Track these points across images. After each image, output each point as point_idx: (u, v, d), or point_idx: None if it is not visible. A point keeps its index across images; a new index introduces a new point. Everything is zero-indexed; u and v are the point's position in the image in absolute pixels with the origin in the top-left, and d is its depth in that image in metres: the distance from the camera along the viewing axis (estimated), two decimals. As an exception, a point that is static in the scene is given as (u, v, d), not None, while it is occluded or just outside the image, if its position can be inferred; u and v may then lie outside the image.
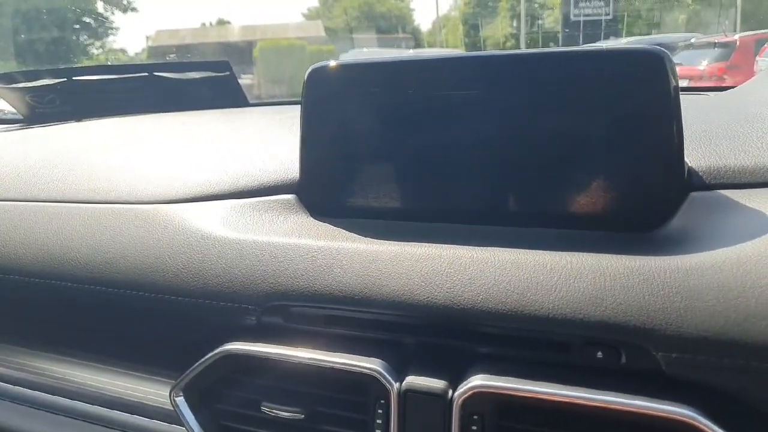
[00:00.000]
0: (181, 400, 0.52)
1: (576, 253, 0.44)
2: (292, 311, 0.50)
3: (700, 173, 0.49)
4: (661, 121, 0.46)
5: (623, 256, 0.43)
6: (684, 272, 0.40)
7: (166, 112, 0.99)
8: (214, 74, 1.07)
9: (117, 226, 0.59)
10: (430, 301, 0.45)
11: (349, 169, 0.55)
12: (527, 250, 0.45)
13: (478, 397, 0.42)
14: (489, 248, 0.46)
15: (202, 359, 0.51)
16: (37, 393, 0.64)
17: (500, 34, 32.61)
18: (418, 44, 34.19)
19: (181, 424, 0.52)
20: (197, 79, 1.05)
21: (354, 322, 0.48)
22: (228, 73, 1.08)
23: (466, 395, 0.42)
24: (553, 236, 0.48)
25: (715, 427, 0.36)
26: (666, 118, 0.46)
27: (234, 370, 0.51)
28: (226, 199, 0.60)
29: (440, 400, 0.43)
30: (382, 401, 0.45)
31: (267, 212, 0.58)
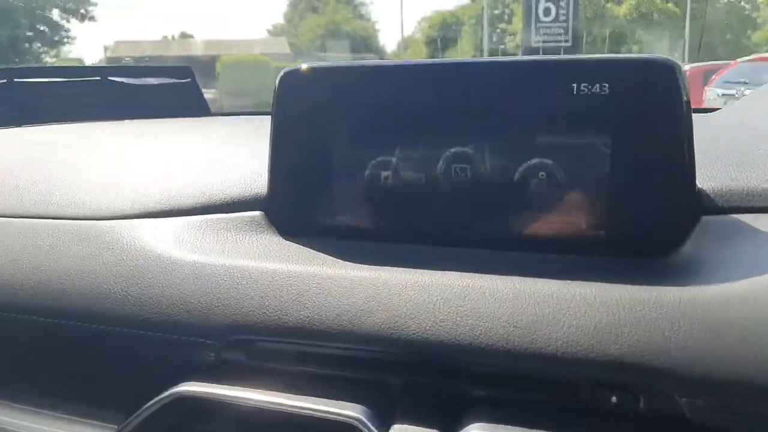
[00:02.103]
0: None
1: (584, 282, 0.39)
2: (258, 347, 0.43)
3: (711, 196, 0.45)
4: (673, 138, 0.42)
5: (637, 285, 0.38)
6: (707, 304, 0.35)
7: (120, 119, 0.91)
8: (174, 81, 1.00)
9: (51, 244, 0.51)
10: (419, 335, 0.39)
11: (322, 184, 0.50)
12: (529, 279, 0.40)
13: None
14: (486, 276, 0.41)
15: (150, 402, 0.44)
16: None
17: (463, 57, 33.38)
18: (382, 64, 34.58)
19: None
20: (156, 86, 0.98)
21: (330, 360, 0.42)
22: (189, 80, 1.01)
23: None
24: (555, 263, 0.43)
25: None
26: (678, 135, 0.42)
27: (188, 415, 0.44)
28: (183, 215, 0.53)
29: None
30: None
31: (229, 231, 0.51)
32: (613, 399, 0.36)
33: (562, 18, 18.40)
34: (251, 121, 0.83)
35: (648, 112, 0.42)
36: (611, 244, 0.43)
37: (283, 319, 0.42)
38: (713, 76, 7.55)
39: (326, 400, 0.40)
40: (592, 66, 0.43)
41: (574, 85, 0.44)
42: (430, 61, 0.49)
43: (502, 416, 0.37)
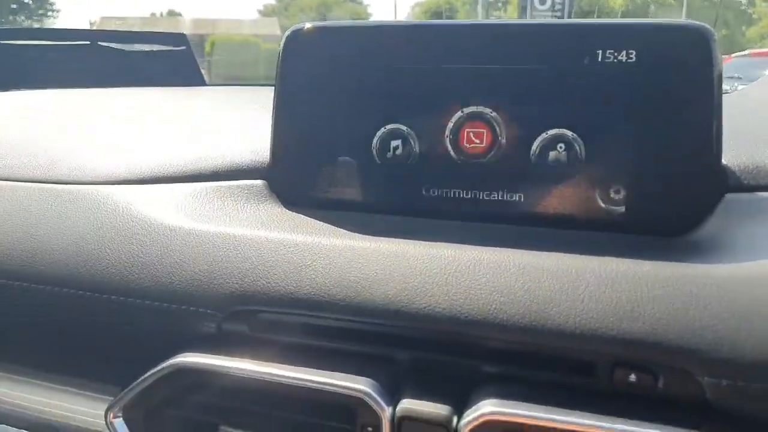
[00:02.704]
0: (119, 421, 0.43)
1: (605, 258, 0.37)
2: (261, 318, 0.41)
3: (735, 172, 0.43)
4: (703, 112, 0.40)
5: (659, 262, 0.36)
6: (733, 283, 0.33)
7: (110, 86, 0.87)
8: (168, 48, 0.96)
9: (44, 209, 0.49)
10: (430, 308, 0.37)
11: (327, 152, 0.47)
12: (546, 253, 0.38)
13: (488, 427, 0.35)
14: (500, 249, 0.39)
15: (148, 373, 0.41)
16: None
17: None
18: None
19: None
20: (149, 53, 0.94)
21: (336, 333, 0.40)
22: (184, 47, 0.97)
23: (474, 424, 0.35)
24: (573, 238, 0.41)
25: None
26: (708, 109, 0.40)
27: (187, 386, 0.42)
28: (183, 182, 0.50)
29: (441, 429, 0.36)
30: (370, 429, 0.37)
31: (231, 199, 0.48)
32: (632, 378, 0.35)
33: (558, 7, 18.33)
34: (249, 92, 0.80)
35: (678, 83, 0.40)
36: (633, 221, 0.41)
37: (288, 290, 0.40)
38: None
39: (332, 373, 0.38)
40: (620, 31, 0.41)
41: (600, 51, 0.41)
42: (444, 21, 0.46)
43: (515, 394, 0.35)
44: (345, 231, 0.43)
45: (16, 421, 0.51)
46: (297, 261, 0.40)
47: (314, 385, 0.38)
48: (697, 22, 0.40)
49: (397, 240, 0.41)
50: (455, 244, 0.39)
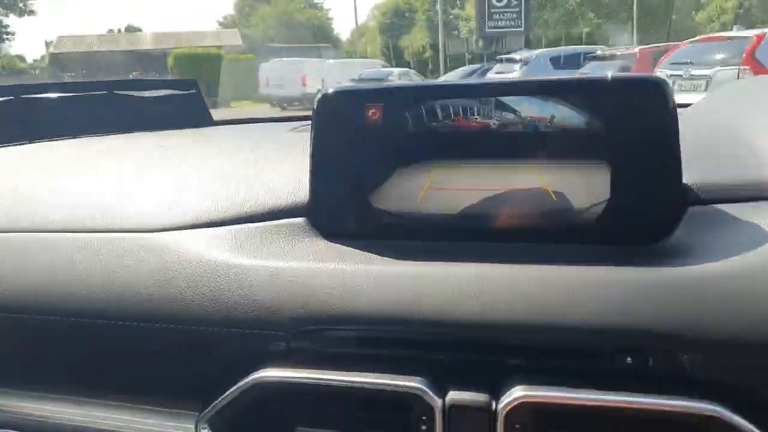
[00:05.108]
0: (208, 430, 0.51)
1: (597, 267, 0.46)
2: (324, 335, 0.49)
3: (695, 189, 0.53)
4: (663, 142, 0.50)
5: (640, 267, 0.46)
6: (700, 281, 0.44)
7: (127, 132, 0.94)
8: (179, 92, 1.03)
9: (124, 256, 0.56)
10: (465, 317, 0.46)
11: (360, 190, 0.56)
12: (554, 266, 0.48)
13: (521, 408, 0.43)
14: (515, 265, 0.49)
15: (232, 388, 0.49)
16: None
17: (418, 44, 33.41)
18: (337, 54, 34.29)
19: None
20: (161, 98, 1.01)
21: (387, 342, 0.48)
22: (194, 91, 1.05)
23: (510, 406, 0.44)
24: (564, 251, 0.51)
25: (740, 419, 0.40)
26: (666, 139, 0.50)
27: (265, 398, 0.50)
28: (231, 224, 0.59)
29: (484, 413, 0.44)
30: (424, 418, 0.45)
31: (279, 236, 0.57)
32: (628, 360, 0.44)
33: (515, 3, 18.63)
34: (260, 129, 0.87)
35: (642, 119, 0.50)
36: (611, 233, 0.51)
37: (345, 309, 0.48)
38: (662, 58, 7.83)
39: (389, 375, 0.47)
40: (595, 84, 0.51)
41: (580, 98, 0.51)
42: (452, 82, 0.56)
43: (538, 380, 0.45)
44: (386, 258, 0.52)
45: None
46: (348, 285, 0.49)
47: (376, 386, 0.47)
48: (656, 77, 0.50)
49: (431, 263, 0.50)
50: (479, 263, 0.49)
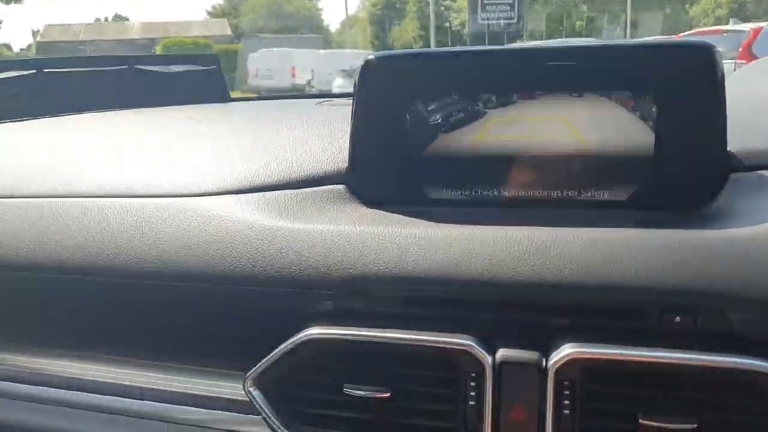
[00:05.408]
0: (256, 388, 0.51)
1: (644, 230, 0.47)
2: (372, 294, 0.50)
3: (737, 156, 0.53)
4: (709, 107, 0.50)
5: (688, 231, 0.46)
6: (746, 242, 0.45)
7: (149, 106, 0.95)
8: (200, 68, 1.03)
9: (172, 220, 0.57)
10: (515, 278, 0.46)
11: (400, 158, 0.57)
12: (602, 229, 0.47)
13: (571, 365, 0.44)
14: (562, 228, 0.48)
15: (281, 347, 0.50)
16: (95, 396, 0.60)
17: (409, 36, 33.26)
18: (327, 44, 34.07)
19: (257, 413, 0.51)
20: (181, 73, 1.01)
21: (436, 303, 0.49)
22: (215, 67, 1.05)
23: (560, 363, 0.44)
24: (615, 216, 0.50)
25: None
26: (713, 105, 0.49)
27: (313, 355, 0.50)
28: (273, 190, 0.60)
29: (534, 370, 0.45)
30: (474, 374, 0.46)
31: (321, 201, 0.58)
32: (677, 320, 0.45)
33: (509, -8, 18.54)
34: (284, 106, 0.88)
35: (690, 85, 0.51)
36: (655, 199, 0.52)
37: (393, 270, 0.49)
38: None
39: (439, 333, 0.47)
40: (646, 49, 0.52)
41: (628, 64, 0.52)
42: (498, 48, 0.56)
43: (587, 339, 0.46)
44: (431, 222, 0.53)
45: (164, 398, 0.59)
46: (399, 246, 0.50)
47: (425, 343, 0.47)
48: (704, 42, 0.51)
49: (477, 227, 0.51)
50: (525, 227, 0.50)
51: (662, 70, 0.51)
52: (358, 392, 0.49)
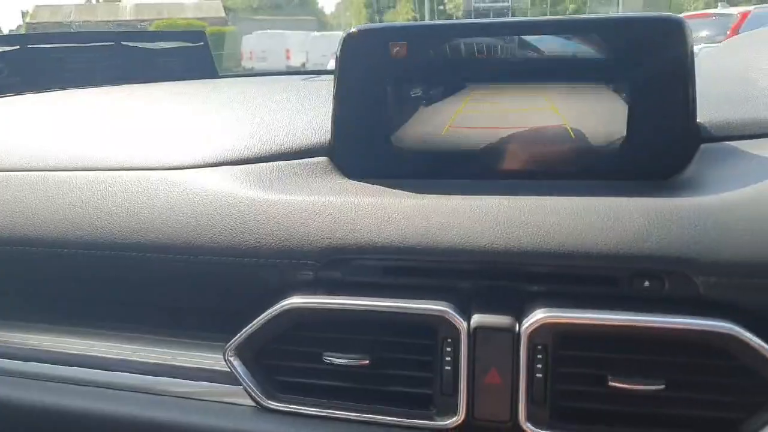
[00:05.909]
0: (236, 358, 0.52)
1: (615, 198, 0.48)
2: (352, 264, 0.50)
3: (708, 127, 0.55)
4: (679, 79, 0.51)
5: (657, 198, 0.47)
6: (713, 208, 0.47)
7: (135, 83, 0.94)
8: (186, 44, 1.03)
9: (154, 192, 0.57)
10: (489, 246, 0.47)
11: (383, 129, 0.57)
12: (572, 197, 0.49)
13: (543, 329, 0.45)
14: (535, 197, 0.51)
15: (260, 316, 0.51)
16: (77, 369, 0.61)
17: (403, 18, 32.98)
18: (322, 26, 33.72)
19: (237, 383, 0.52)
20: (168, 50, 1.00)
21: (414, 272, 0.50)
22: (202, 43, 1.04)
23: (532, 328, 0.45)
24: (587, 185, 0.51)
25: (753, 337, 0.42)
26: (683, 77, 0.51)
27: (293, 325, 0.51)
28: (257, 162, 0.60)
29: (508, 334, 0.46)
30: (449, 340, 0.47)
31: (303, 173, 0.58)
32: (646, 284, 0.46)
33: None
34: (271, 82, 0.88)
35: (660, 57, 0.52)
36: (627, 169, 0.53)
37: (372, 240, 0.50)
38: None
39: (415, 300, 0.48)
40: (617, 22, 0.53)
41: (600, 36, 0.53)
42: (477, 21, 0.57)
43: (559, 304, 0.47)
44: (408, 192, 0.53)
45: (143, 370, 0.58)
46: (375, 217, 0.51)
47: (402, 309, 0.48)
48: (675, 15, 0.52)
49: (452, 197, 0.51)
50: (497, 196, 0.51)
51: (633, 43, 0.52)
52: (338, 360, 0.50)
